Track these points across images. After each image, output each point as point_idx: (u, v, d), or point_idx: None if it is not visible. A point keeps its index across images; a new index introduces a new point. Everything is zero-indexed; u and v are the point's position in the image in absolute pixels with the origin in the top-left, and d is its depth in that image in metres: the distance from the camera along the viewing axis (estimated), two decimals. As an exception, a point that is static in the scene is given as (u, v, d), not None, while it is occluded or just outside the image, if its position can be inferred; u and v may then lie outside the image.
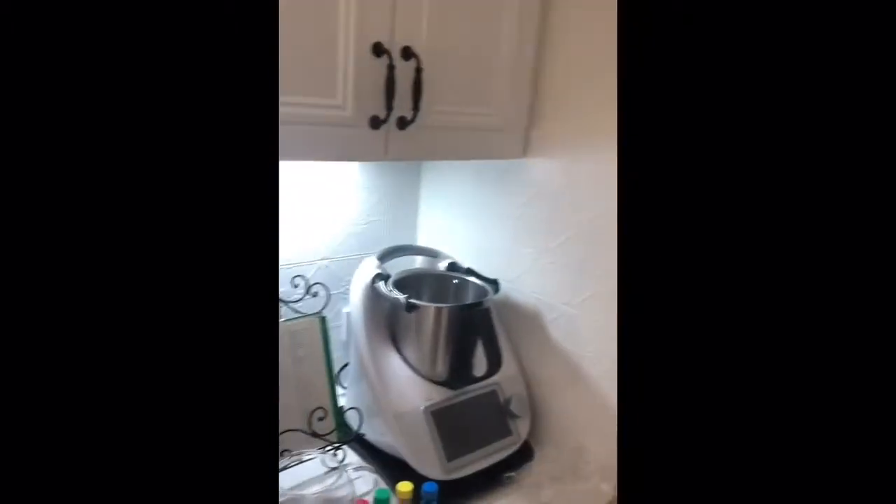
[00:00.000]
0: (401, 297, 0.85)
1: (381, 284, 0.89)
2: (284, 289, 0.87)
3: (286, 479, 0.77)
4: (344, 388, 0.94)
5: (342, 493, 0.78)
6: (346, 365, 0.95)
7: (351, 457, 0.92)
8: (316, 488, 0.78)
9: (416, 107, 0.69)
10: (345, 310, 1.11)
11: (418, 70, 0.68)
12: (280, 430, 0.80)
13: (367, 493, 0.78)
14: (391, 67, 0.66)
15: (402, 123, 0.71)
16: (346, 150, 0.69)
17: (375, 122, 0.68)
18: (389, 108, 0.67)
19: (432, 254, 1.06)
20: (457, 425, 0.87)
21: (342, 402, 0.92)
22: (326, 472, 0.86)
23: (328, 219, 1.05)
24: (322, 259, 1.06)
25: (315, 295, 0.89)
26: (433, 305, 0.87)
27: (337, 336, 1.04)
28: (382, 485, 0.82)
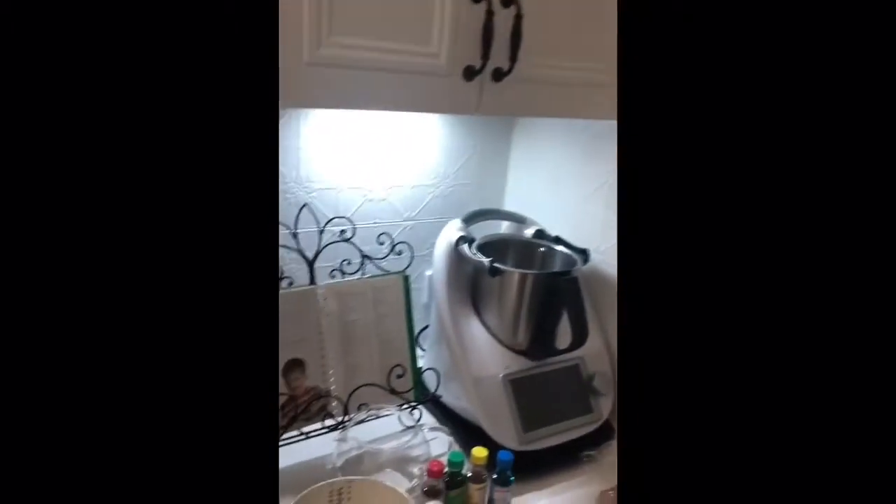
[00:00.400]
0: (485, 260, 0.82)
1: (465, 247, 0.87)
2: (369, 247, 0.88)
3: (363, 433, 0.78)
4: (423, 350, 0.94)
5: (417, 452, 0.78)
6: (425, 327, 0.94)
7: (426, 417, 0.92)
8: (391, 444, 0.79)
9: (513, 57, 0.65)
10: (427, 272, 1.10)
11: (518, 17, 0.64)
12: (359, 384, 0.81)
13: (441, 455, 0.78)
14: (490, 14, 0.62)
15: (498, 75, 0.66)
16: (436, 102, 0.67)
17: (469, 73, 0.65)
18: (485, 57, 0.63)
19: (519, 219, 1.02)
20: (535, 397, 0.84)
21: (420, 363, 0.92)
22: (402, 430, 0.87)
23: (414, 179, 1.04)
24: (406, 220, 1.05)
25: (399, 254, 0.88)
26: (518, 271, 0.84)
27: (418, 299, 1.03)
28: (457, 448, 0.81)
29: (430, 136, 1.02)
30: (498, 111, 0.73)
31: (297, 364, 0.79)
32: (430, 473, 0.71)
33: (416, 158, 1.02)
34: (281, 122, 0.87)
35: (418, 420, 0.85)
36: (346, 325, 0.83)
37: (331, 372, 0.81)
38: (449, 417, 0.89)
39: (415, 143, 1.01)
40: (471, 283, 0.89)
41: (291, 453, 0.77)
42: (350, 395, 0.81)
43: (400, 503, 0.64)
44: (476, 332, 0.87)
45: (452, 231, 0.90)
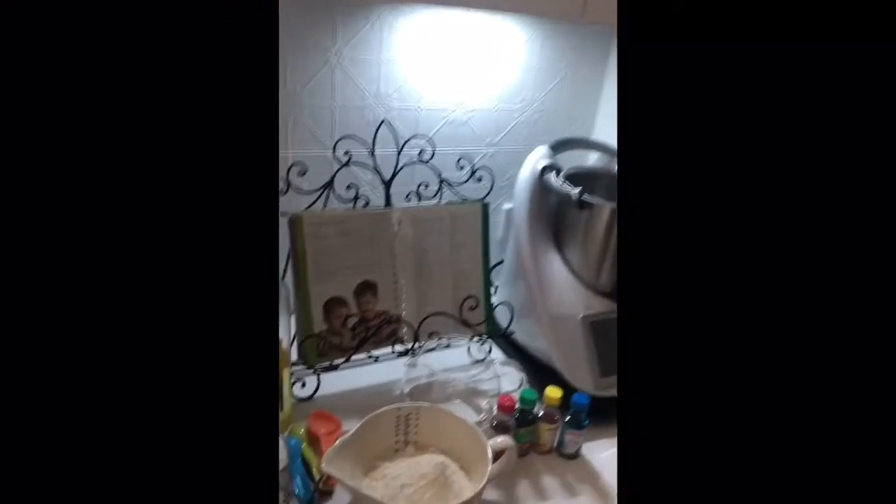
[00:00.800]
0: (573, 190, 0.75)
1: (550, 176, 0.80)
2: (448, 172, 0.82)
3: (434, 361, 0.76)
4: (495, 286, 0.90)
5: (487, 386, 0.75)
6: (499, 263, 0.90)
7: (495, 353, 0.89)
8: (461, 376, 0.77)
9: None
10: (505, 206, 1.04)
11: None
12: (431, 313, 0.79)
13: (511, 391, 0.75)
14: None
15: (611, -29, 0.57)
16: (538, 3, 0.59)
17: (579, -32, 0.56)
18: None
19: (611, 151, 0.93)
20: (616, 341, 0.78)
21: (493, 299, 0.88)
22: (471, 363, 0.85)
23: (498, 102, 0.96)
24: (488, 146, 0.98)
25: (479, 180, 0.83)
26: (609, 205, 0.76)
27: (493, 234, 0.98)
28: (528, 385, 0.78)
29: (518, 54, 0.94)
30: (605, 19, 0.64)
31: (368, 286, 0.77)
32: (501, 408, 0.68)
33: (502, 79, 0.94)
34: (363, 32, 0.81)
35: (488, 353, 0.83)
36: (420, 252, 0.80)
37: (402, 297, 0.79)
38: (519, 356, 0.85)
39: (502, 63, 0.93)
40: (554, 216, 0.83)
41: (359, 376, 0.77)
42: (421, 322, 0.78)
43: (469, 434, 0.62)
44: (556, 269, 0.81)
45: (538, 158, 0.83)
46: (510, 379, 0.79)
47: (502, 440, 0.62)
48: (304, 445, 0.64)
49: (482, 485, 0.55)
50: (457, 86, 0.91)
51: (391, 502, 0.54)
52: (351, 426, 0.60)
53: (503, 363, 0.81)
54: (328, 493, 0.60)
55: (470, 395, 0.76)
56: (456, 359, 0.83)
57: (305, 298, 0.72)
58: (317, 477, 0.60)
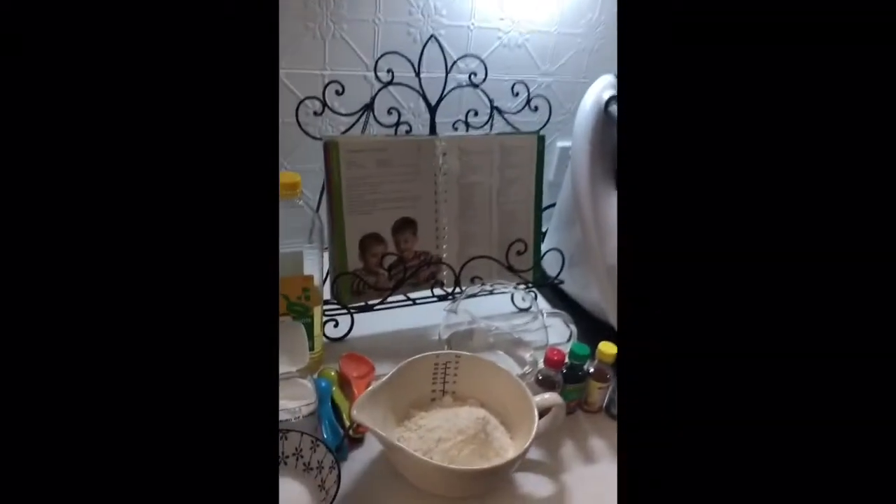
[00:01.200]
0: (645, 124, 0.65)
1: (616, 108, 0.70)
2: (500, 101, 0.73)
3: (474, 308, 0.70)
4: (543, 231, 0.82)
5: (532, 337, 0.69)
6: (550, 206, 0.82)
7: (541, 303, 0.83)
8: (503, 325, 0.70)
9: None
10: (559, 144, 0.95)
11: None
12: (474, 256, 0.72)
13: (559, 345, 0.68)
14: None
15: None
16: None
17: None
18: None
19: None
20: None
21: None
22: (515, 312, 0.78)
23: (559, 24, 0.85)
24: (544, 74, 0.88)
25: (535, 110, 0.74)
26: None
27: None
28: (577, 339, 0.71)
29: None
30: None
31: (408, 223, 0.70)
32: (549, 362, 0.62)
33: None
34: (410, -67, 0.71)
35: (534, 301, 0.76)
36: (465, 188, 0.72)
37: (444, 237, 0.72)
38: (567, 307, 0.78)
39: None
40: (618, 155, 0.73)
41: (394, 319, 0.72)
42: (463, 265, 0.72)
43: (513, 388, 0.56)
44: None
45: (603, 88, 0.73)
46: (556, 331, 0.73)
47: (550, 397, 0.56)
48: (334, 388, 0.60)
49: (527, 445, 0.49)
50: (513, 2, 0.80)
51: (425, 456, 0.49)
52: (384, 370, 0.56)
53: (550, 313, 0.74)
54: (358, 440, 0.56)
55: (512, 345, 0.70)
56: (499, 306, 0.77)
57: (340, 233, 0.66)
58: (347, 423, 0.56)
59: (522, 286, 0.75)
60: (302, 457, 0.50)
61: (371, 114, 0.66)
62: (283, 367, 0.58)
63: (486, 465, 0.50)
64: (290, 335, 0.57)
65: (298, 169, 0.70)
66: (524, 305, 0.78)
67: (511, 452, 0.52)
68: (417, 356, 0.57)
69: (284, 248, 0.58)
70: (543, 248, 0.79)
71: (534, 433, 0.50)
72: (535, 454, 0.58)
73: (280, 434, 0.50)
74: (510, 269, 0.74)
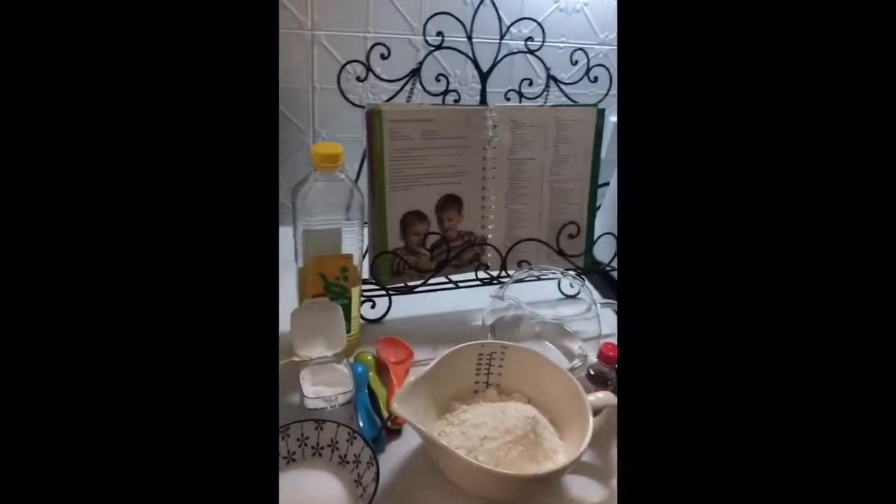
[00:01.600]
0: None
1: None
2: (556, 69, 0.67)
3: (520, 294, 0.65)
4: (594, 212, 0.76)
5: (583, 328, 0.64)
6: (604, 185, 0.76)
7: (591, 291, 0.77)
8: (550, 313, 0.66)
9: None
10: (612, 118, 0.88)
11: None
12: (522, 238, 0.67)
13: (611, 337, 0.63)
14: None
15: None
16: None
17: None
18: None
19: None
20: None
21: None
22: (562, 299, 0.73)
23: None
24: (603, 43, 0.81)
25: (595, 80, 0.67)
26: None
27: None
28: (629, 333, 0.66)
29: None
30: None
31: (453, 201, 0.65)
32: (603, 357, 0.57)
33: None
34: None
35: (584, 288, 0.71)
36: (515, 164, 0.67)
37: (491, 217, 0.68)
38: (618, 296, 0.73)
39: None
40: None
41: (435, 301, 0.68)
42: (510, 248, 0.67)
43: (564, 384, 0.52)
44: (680, 196, 0.66)
45: (673, 57, 0.66)
46: (609, 322, 0.68)
47: (605, 396, 0.51)
48: (371, 374, 0.56)
49: (582, 449, 0.45)
50: (575, -39, 0.74)
51: (469, 455, 0.46)
52: (423, 356, 0.52)
53: (603, 303, 0.69)
54: (396, 432, 0.53)
55: (559, 335, 0.65)
56: (547, 293, 0.72)
57: (381, 209, 0.62)
58: (385, 414, 0.52)
59: (571, 272, 0.70)
60: (338, 449, 0.47)
61: (418, 80, 0.61)
62: (320, 352, 0.54)
63: (536, 469, 0.46)
64: (328, 317, 0.54)
65: (337, 138, 0.66)
66: (572, 292, 0.73)
67: (562, 457, 0.48)
68: (461, 345, 0.53)
69: (323, 224, 0.54)
70: (596, 231, 0.74)
71: (589, 436, 0.46)
72: (584, 456, 0.54)
73: (315, 424, 0.47)
74: (560, 253, 0.69)
